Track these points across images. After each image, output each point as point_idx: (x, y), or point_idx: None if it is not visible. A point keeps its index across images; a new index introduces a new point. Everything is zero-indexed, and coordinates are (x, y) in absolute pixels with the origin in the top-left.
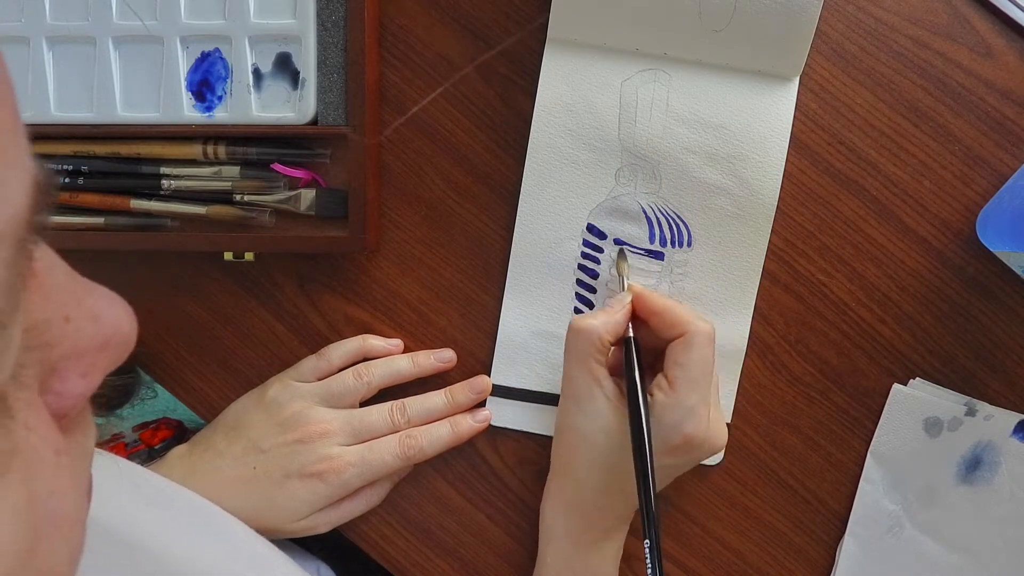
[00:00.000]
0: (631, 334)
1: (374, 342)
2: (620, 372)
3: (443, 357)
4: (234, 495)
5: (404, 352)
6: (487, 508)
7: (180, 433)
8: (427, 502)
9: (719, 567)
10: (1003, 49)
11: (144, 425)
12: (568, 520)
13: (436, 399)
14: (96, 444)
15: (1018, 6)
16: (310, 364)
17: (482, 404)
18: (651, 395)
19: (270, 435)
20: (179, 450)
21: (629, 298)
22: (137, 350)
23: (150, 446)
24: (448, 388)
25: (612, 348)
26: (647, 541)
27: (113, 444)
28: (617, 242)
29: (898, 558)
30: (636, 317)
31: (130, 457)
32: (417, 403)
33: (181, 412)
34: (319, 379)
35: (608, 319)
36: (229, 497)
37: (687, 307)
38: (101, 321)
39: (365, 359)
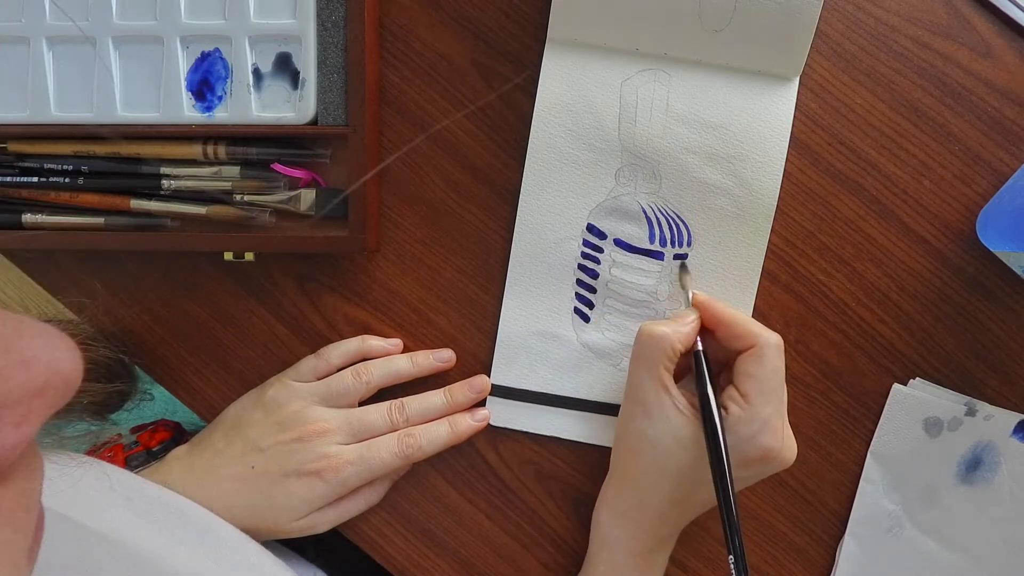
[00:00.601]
0: (700, 347)
1: (373, 342)
2: (682, 384)
3: (442, 357)
4: (233, 494)
5: (403, 352)
6: (487, 508)
7: (178, 435)
8: (427, 502)
9: (719, 567)
10: (1003, 49)
11: (142, 427)
12: (627, 527)
13: (435, 398)
14: (93, 447)
15: (1018, 6)
16: (309, 364)
17: (481, 404)
18: (725, 408)
19: (269, 434)
20: (178, 451)
21: (696, 313)
22: (137, 351)
23: (148, 448)
24: (447, 387)
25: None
26: (731, 557)
27: (110, 447)
28: (617, 242)
29: (898, 558)
30: (702, 329)
31: (128, 459)
32: (416, 402)
33: (180, 414)
34: (318, 379)
35: (679, 328)
36: (228, 496)
37: (751, 318)
38: (34, 366)
39: (364, 359)
